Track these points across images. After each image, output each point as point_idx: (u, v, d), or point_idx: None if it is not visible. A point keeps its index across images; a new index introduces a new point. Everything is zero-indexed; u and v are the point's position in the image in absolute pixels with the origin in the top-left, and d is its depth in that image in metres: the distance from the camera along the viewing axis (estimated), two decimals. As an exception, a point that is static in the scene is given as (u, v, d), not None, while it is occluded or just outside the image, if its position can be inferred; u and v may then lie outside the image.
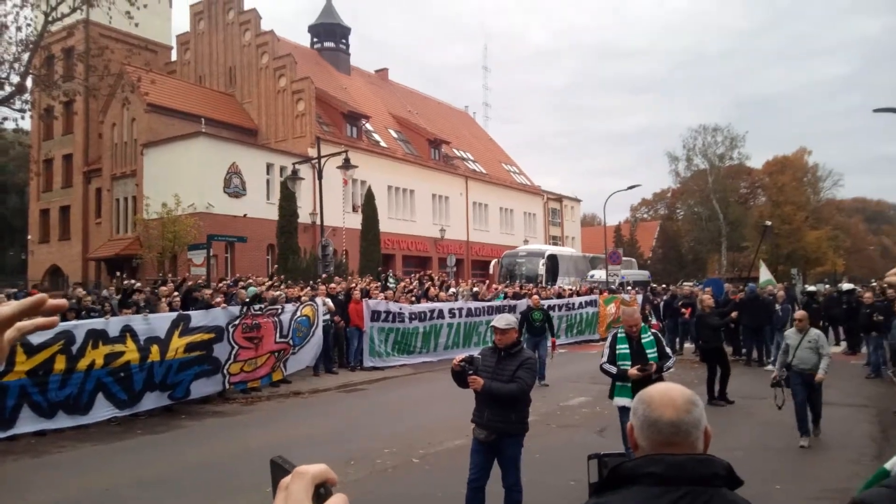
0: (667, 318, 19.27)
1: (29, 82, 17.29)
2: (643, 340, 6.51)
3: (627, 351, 6.52)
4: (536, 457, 7.45)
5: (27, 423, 9.24)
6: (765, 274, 20.51)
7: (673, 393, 1.71)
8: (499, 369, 5.21)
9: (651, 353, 6.44)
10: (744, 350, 16.56)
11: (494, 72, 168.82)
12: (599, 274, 31.52)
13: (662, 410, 1.65)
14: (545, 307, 15.30)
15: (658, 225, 66.45)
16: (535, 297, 15.71)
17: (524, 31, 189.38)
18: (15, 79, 16.70)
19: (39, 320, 0.92)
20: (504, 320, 5.36)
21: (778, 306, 16.33)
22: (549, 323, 14.03)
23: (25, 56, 16.83)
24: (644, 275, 37.54)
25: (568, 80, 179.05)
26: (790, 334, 8.60)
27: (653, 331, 6.75)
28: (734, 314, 14.32)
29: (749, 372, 14.80)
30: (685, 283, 23.88)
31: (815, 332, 8.44)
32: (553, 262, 32.47)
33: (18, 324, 0.87)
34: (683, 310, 17.76)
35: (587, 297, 22.65)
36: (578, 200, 59.82)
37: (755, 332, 16.30)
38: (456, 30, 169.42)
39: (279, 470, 0.79)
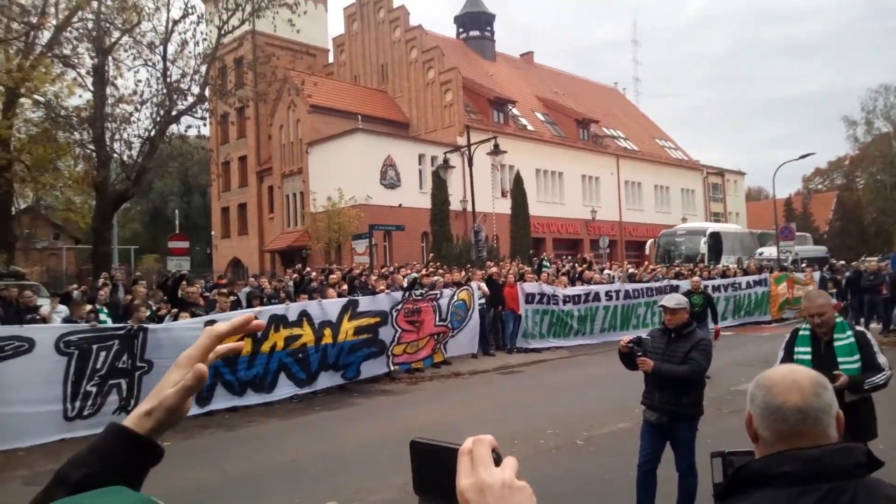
0: (851, 297, 17.69)
1: (207, 92, 18.90)
2: (837, 343, 4.36)
3: (809, 357, 4.40)
4: (708, 441, 7.11)
5: (221, 400, 10.28)
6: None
7: (797, 375, 1.53)
8: (669, 351, 5.07)
9: (848, 362, 4.29)
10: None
11: (647, 45, 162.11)
12: (769, 251, 29.37)
13: (786, 395, 1.47)
14: (706, 289, 14.40)
15: (835, 196, 60.56)
16: (696, 278, 14.72)
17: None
18: (196, 89, 18.34)
19: (233, 345, 1.05)
20: (674, 300, 5.18)
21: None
22: (713, 308, 13.02)
23: (203, 68, 18.42)
24: (821, 250, 34.44)
25: (727, 48, 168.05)
26: None
27: (858, 329, 4.58)
28: None
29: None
30: (869, 259, 21.62)
31: None
32: (716, 239, 30.67)
33: (217, 347, 1.01)
34: (879, 287, 16.26)
35: (755, 277, 21.20)
36: (742, 174, 56.08)
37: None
38: (604, 6, 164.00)
39: (425, 448, 0.86)
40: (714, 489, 1.59)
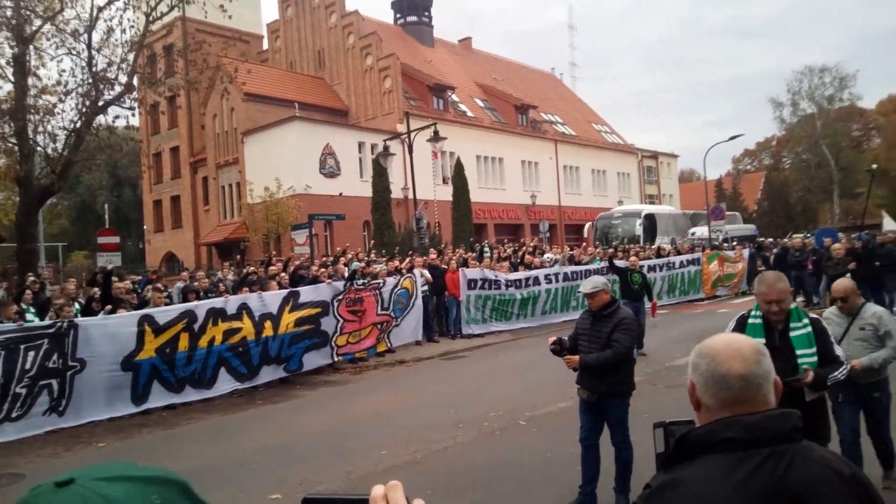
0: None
1: (135, 81, 18.24)
2: (793, 333, 3.82)
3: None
4: (645, 416, 7.34)
5: (158, 398, 10.01)
6: (890, 223, 19.22)
7: (739, 343, 1.57)
8: (594, 331, 5.24)
9: (806, 354, 3.77)
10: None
11: (585, 30, 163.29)
12: (701, 231, 30.39)
13: (730, 364, 1.51)
14: (644, 269, 14.86)
15: (763, 176, 62.98)
16: (633, 258, 15.11)
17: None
18: (123, 78, 17.65)
19: None
20: (590, 284, 5.33)
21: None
22: (647, 285, 13.53)
23: (131, 56, 17.75)
24: (750, 229, 35.85)
25: (666, 32, 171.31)
26: (831, 315, 5.12)
27: (813, 316, 4.01)
28: (852, 265, 13.52)
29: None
30: (795, 235, 22.63)
31: (873, 311, 4.98)
32: (651, 221, 31.54)
33: None
34: (805, 263, 17.03)
35: (688, 256, 21.91)
36: (675, 156, 57.65)
37: (874, 284, 15.36)
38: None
39: (322, 502, 0.85)
40: (657, 459, 1.61)
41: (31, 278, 12.38)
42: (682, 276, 21.19)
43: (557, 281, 17.60)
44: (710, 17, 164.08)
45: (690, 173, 78.82)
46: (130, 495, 0.70)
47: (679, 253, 22.60)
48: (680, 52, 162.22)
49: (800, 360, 3.73)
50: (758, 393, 1.50)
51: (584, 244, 27.38)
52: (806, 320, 3.88)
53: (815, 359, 3.76)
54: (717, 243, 26.00)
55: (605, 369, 5.11)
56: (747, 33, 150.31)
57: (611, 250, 12.92)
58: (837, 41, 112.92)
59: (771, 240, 26.53)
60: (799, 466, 1.37)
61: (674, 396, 8.86)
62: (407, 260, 16.20)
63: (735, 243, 26.04)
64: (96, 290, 11.76)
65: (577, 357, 5.18)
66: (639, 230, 30.43)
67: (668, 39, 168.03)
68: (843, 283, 5.13)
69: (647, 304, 13.46)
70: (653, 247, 24.11)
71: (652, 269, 19.74)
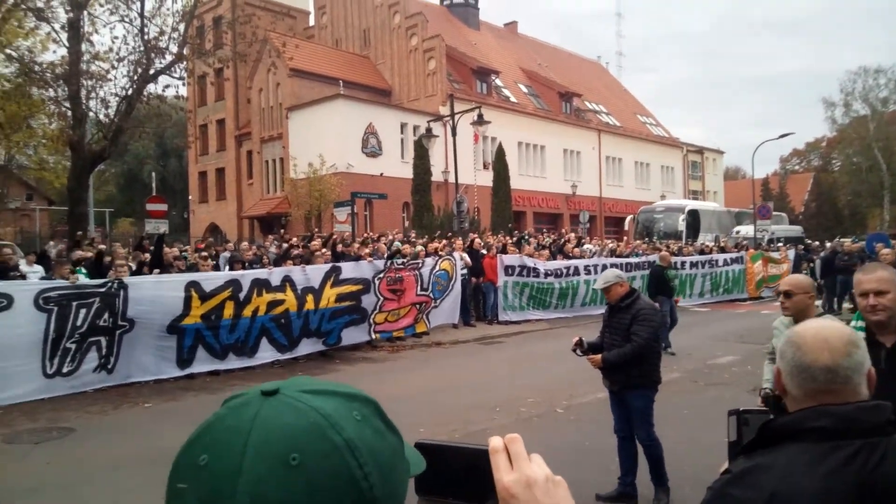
0: (825, 277, 18.03)
1: (185, 51, 18.46)
2: None
3: None
4: (685, 412, 7.32)
5: (203, 363, 10.24)
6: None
7: (828, 332, 1.49)
8: (613, 323, 5.23)
9: None
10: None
11: (631, 19, 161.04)
12: (746, 230, 29.76)
13: (817, 354, 1.45)
14: (676, 265, 14.61)
15: (811, 177, 61.33)
16: (664, 253, 14.72)
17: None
18: (174, 48, 17.88)
19: None
20: (602, 280, 5.30)
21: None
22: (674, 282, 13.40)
23: (182, 26, 17.95)
24: (796, 230, 35.00)
25: (711, 25, 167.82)
26: (779, 324, 4.08)
27: None
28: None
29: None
30: (843, 239, 22.02)
31: None
32: (694, 217, 30.93)
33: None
34: (853, 267, 16.62)
35: (731, 255, 21.51)
36: (721, 152, 56.49)
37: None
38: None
39: (432, 448, 0.86)
40: (729, 448, 1.58)
41: (86, 241, 12.66)
42: (726, 274, 20.83)
43: (597, 272, 17.39)
44: (752, 11, 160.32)
45: (736, 171, 77.26)
46: (338, 409, 0.71)
47: (723, 251, 22.21)
48: (722, 47, 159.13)
49: None
50: (846, 385, 1.44)
51: (626, 237, 27.02)
52: None
53: None
54: (762, 243, 25.49)
55: (627, 363, 5.08)
56: (788, 30, 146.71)
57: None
58: (880, 43, 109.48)
59: (818, 242, 25.87)
60: (893, 460, 1.32)
61: (713, 394, 8.74)
62: (446, 243, 16.20)
63: (781, 244, 25.47)
64: (147, 255, 12.01)
65: (598, 357, 5.15)
66: (681, 226, 29.86)
67: (710, 33, 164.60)
68: (795, 276, 3.99)
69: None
70: (696, 243, 23.75)
71: (694, 265, 19.53)
